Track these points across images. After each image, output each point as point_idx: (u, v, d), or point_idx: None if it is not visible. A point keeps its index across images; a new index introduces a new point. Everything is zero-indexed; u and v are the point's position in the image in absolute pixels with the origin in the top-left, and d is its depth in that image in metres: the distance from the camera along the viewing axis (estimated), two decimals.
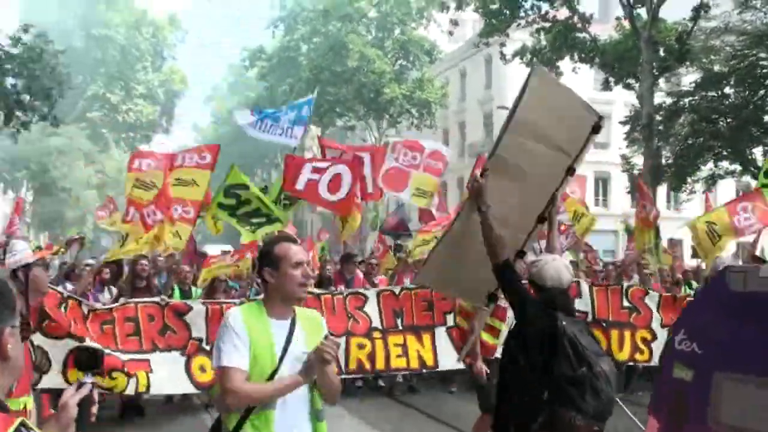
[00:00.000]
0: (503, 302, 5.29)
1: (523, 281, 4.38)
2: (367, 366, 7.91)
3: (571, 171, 4.69)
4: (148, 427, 8.64)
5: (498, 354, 6.01)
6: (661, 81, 26.51)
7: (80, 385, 2.43)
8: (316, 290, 8.51)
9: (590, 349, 3.87)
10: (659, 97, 26.05)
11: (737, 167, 25.16)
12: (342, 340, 8.07)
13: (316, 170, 9.77)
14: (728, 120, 24.10)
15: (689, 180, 25.69)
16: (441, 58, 45.83)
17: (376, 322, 8.00)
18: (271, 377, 3.16)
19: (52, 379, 7.18)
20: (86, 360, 2.73)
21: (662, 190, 30.74)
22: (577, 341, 3.84)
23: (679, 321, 4.55)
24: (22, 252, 4.35)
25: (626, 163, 26.40)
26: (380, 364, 7.91)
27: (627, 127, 26.61)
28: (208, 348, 8.16)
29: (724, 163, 25.50)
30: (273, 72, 47.88)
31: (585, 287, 8.13)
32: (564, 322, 3.90)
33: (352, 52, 40.85)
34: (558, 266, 4.10)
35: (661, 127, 24.45)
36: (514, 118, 4.47)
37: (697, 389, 3.97)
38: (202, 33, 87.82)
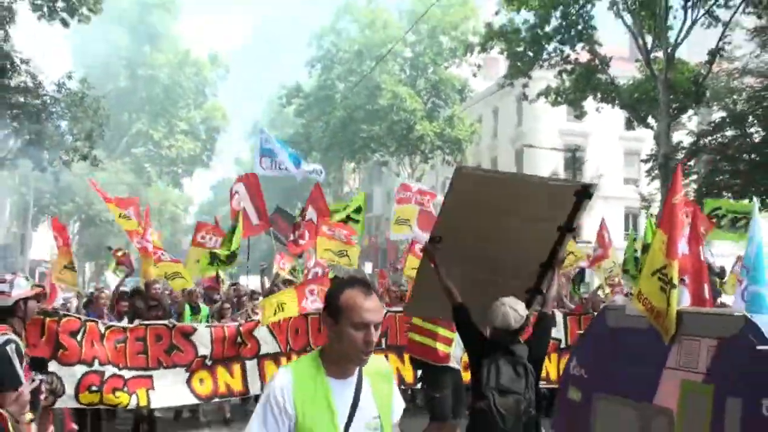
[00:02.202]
0: None
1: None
2: None
3: (568, 230, 5.14)
4: None
5: (450, 363, 6.79)
6: (685, 118, 27.11)
7: (32, 380, 3.45)
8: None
9: (503, 385, 4.38)
10: (680, 136, 26.60)
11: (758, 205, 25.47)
12: None
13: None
14: (750, 158, 24.49)
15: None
16: (472, 96, 46.79)
17: None
18: None
19: (65, 401, 8.23)
20: (38, 363, 3.81)
21: None
22: (486, 377, 4.41)
23: (574, 349, 5.30)
24: (24, 287, 5.28)
25: (643, 200, 26.89)
26: None
27: (650, 165, 27.09)
28: (209, 363, 9.19)
29: (745, 201, 25.79)
30: (309, 109, 49.34)
31: (560, 316, 8.99)
32: (487, 362, 4.47)
33: (384, 91, 42.07)
34: (506, 310, 4.57)
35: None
36: (445, 208, 5.12)
37: (584, 408, 4.72)
38: (244, 70, 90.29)
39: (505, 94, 45.59)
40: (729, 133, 25.60)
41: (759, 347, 3.54)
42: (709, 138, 25.72)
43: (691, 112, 26.71)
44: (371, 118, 43.10)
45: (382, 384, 2.84)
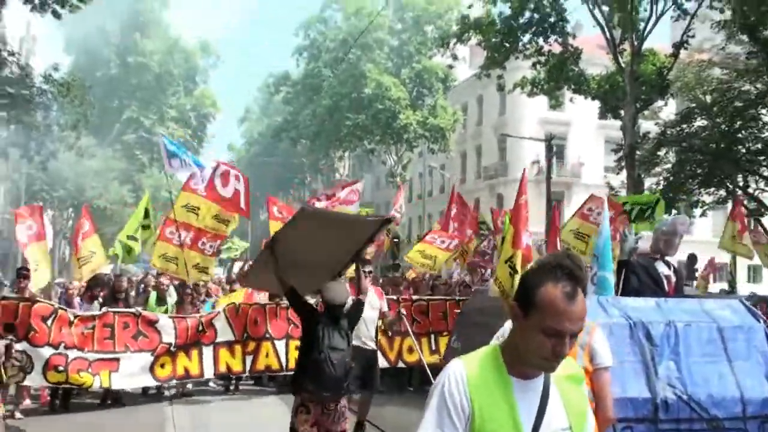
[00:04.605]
0: None
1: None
2: None
3: (369, 241, 6.88)
4: (123, 414, 10.37)
5: (354, 343, 8.00)
6: (657, 109, 27.97)
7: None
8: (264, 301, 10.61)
9: (333, 344, 5.87)
10: (652, 126, 27.48)
11: (722, 194, 26.45)
12: (282, 343, 10.27)
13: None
14: (716, 147, 25.38)
15: (677, 206, 26.98)
16: (455, 86, 47.54)
17: None
18: None
19: (35, 378, 9.23)
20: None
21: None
22: (321, 338, 5.86)
23: (455, 326, 6.23)
24: None
25: (611, 189, 27.79)
26: None
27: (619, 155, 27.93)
28: (173, 350, 10.18)
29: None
30: (297, 98, 50.07)
31: None
32: (322, 326, 5.93)
33: (369, 80, 42.83)
34: (335, 291, 6.09)
35: (640, 153, 25.80)
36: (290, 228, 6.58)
37: None
38: (235, 58, 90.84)
39: (489, 83, 46.43)
40: (697, 123, 26.51)
41: None
42: (677, 128, 26.61)
43: (661, 102, 27.53)
44: (357, 107, 43.87)
45: (572, 390, 2.39)
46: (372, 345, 8.42)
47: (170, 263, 12.02)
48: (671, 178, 26.55)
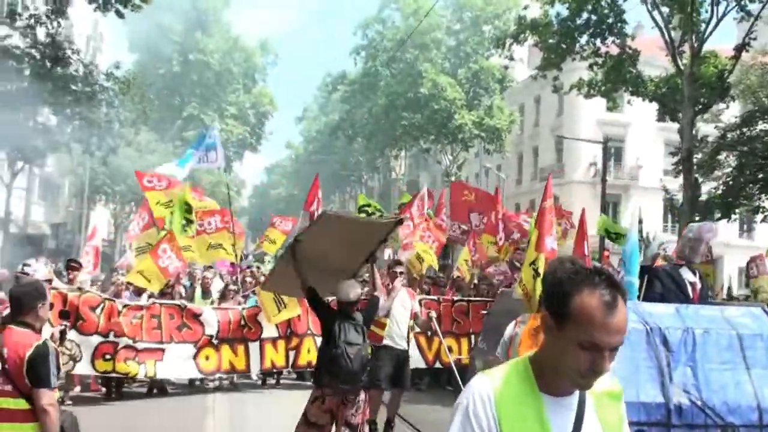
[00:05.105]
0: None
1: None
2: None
3: (383, 242, 7.50)
4: (166, 403, 10.69)
5: (385, 342, 8.06)
6: (718, 111, 27.42)
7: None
8: None
9: (349, 339, 6.16)
10: (709, 130, 26.93)
11: None
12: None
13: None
14: None
15: (737, 211, 26.40)
16: (513, 87, 47.24)
17: None
18: None
19: (83, 367, 9.56)
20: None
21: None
22: (338, 334, 6.16)
23: (482, 326, 6.31)
24: (42, 271, 6.60)
25: (666, 193, 27.31)
26: None
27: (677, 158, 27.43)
28: (216, 343, 10.48)
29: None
30: (354, 96, 50.42)
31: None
32: (338, 323, 6.23)
33: (426, 80, 42.87)
34: (347, 289, 6.38)
35: (699, 157, 25.33)
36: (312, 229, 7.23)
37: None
38: (294, 57, 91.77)
39: (547, 83, 46.03)
40: (759, 127, 25.84)
41: None
42: (738, 132, 25.99)
43: (723, 105, 26.93)
44: (413, 106, 43.96)
45: (610, 407, 2.19)
46: (403, 344, 8.51)
47: (188, 252, 12.35)
48: (731, 182, 25.93)
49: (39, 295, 4.40)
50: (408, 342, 8.62)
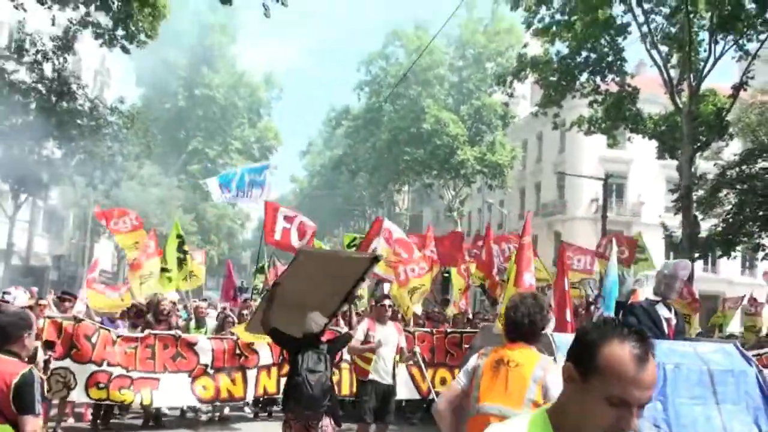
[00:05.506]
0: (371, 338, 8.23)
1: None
2: None
3: (361, 280, 7.70)
4: None
5: (371, 376, 8.16)
6: (716, 149, 27.56)
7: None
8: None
9: (311, 367, 6.53)
10: (709, 167, 27.04)
11: None
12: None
13: (287, 218, 12.07)
14: None
15: (738, 249, 26.42)
16: (515, 123, 47.61)
17: None
18: None
19: (78, 394, 9.58)
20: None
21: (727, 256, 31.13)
22: (300, 363, 6.54)
23: (462, 361, 6.39)
24: (21, 298, 6.70)
25: (666, 230, 27.36)
26: None
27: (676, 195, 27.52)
28: (211, 372, 10.53)
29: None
30: (357, 131, 50.87)
31: None
32: (301, 353, 6.61)
33: (428, 115, 43.28)
34: (311, 322, 6.77)
35: (699, 194, 25.41)
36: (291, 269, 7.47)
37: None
38: (298, 93, 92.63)
39: (549, 120, 46.34)
40: (759, 165, 25.95)
41: None
42: (737, 169, 26.10)
43: (722, 143, 27.09)
44: (415, 142, 44.33)
45: None
46: (388, 379, 8.59)
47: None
48: (731, 220, 25.99)
49: (25, 325, 4.49)
50: (394, 377, 8.70)
